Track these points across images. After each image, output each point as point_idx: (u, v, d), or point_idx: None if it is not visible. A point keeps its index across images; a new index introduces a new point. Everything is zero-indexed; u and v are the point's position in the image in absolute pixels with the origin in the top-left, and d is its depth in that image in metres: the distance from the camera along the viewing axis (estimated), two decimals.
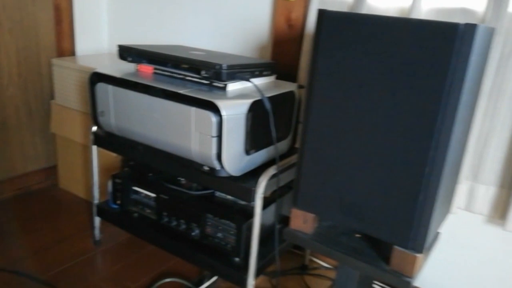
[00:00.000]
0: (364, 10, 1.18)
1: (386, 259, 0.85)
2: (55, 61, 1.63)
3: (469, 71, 0.72)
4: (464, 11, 1.09)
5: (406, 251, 0.80)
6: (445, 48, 0.71)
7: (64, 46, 1.78)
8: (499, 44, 1.03)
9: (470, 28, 0.69)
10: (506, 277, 1.20)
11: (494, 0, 1.02)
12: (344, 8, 1.25)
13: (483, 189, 1.14)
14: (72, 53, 1.81)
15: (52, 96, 1.78)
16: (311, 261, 1.49)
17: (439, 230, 0.94)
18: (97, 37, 1.90)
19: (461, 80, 0.71)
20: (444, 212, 0.93)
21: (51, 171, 1.87)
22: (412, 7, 1.10)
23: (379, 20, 0.76)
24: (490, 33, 0.88)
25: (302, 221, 0.94)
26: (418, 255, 0.79)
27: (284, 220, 1.30)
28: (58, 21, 1.75)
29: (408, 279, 0.80)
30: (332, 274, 1.42)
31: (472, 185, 1.16)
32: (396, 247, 0.81)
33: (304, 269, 1.45)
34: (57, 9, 1.73)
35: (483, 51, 0.82)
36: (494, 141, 1.11)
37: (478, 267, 1.23)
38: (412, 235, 0.78)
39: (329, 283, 1.39)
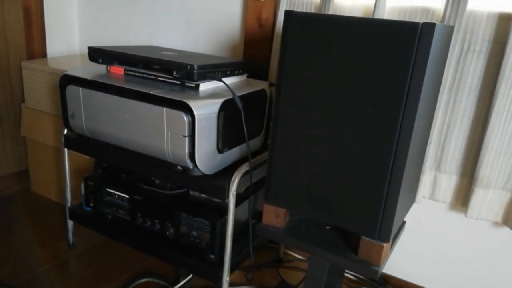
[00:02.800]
0: (330, 9, 1.21)
1: (355, 249, 0.88)
2: (25, 63, 1.60)
3: (429, 68, 0.75)
4: (425, 10, 1.14)
5: (373, 241, 0.83)
6: (405, 47, 0.73)
7: (35, 49, 1.75)
8: (458, 41, 1.08)
9: (429, 27, 0.72)
10: (468, 260, 1.26)
11: None
12: (311, 8, 1.28)
13: (446, 179, 1.19)
14: (43, 55, 1.78)
15: (22, 99, 1.75)
16: (286, 253, 1.52)
17: (404, 219, 0.98)
18: (68, 39, 1.87)
19: (421, 76, 0.74)
20: (409, 201, 0.97)
21: (23, 175, 1.83)
22: (376, 6, 1.14)
23: (342, 21, 0.78)
24: (450, 31, 0.93)
25: (274, 216, 0.96)
26: (384, 244, 0.82)
27: (259, 215, 1.32)
28: (28, 23, 1.72)
29: (375, 268, 0.83)
30: (306, 266, 1.45)
31: (436, 175, 1.21)
32: (363, 237, 0.84)
33: (279, 262, 1.48)
34: (27, 12, 1.70)
35: (442, 48, 0.86)
36: (455, 132, 1.16)
37: (442, 252, 1.29)
38: (378, 225, 0.81)
39: (303, 274, 1.42)
